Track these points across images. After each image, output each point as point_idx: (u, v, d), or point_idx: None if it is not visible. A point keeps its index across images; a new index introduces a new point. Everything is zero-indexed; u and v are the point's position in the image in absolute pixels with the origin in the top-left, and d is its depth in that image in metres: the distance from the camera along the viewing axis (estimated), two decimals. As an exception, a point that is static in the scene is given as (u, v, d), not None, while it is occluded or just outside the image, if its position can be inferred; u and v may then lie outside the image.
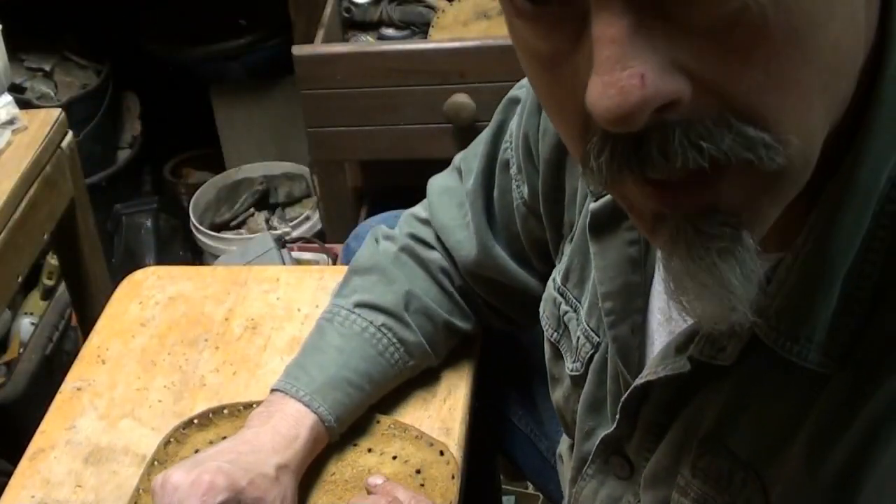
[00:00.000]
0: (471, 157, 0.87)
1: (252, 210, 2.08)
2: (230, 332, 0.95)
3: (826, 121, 0.43)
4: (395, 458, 0.80)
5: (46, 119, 1.21)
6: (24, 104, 1.34)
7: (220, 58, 2.01)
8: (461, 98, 1.43)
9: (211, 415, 0.85)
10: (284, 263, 1.69)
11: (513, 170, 0.81)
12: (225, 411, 0.85)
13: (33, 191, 1.15)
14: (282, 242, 1.76)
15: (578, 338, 0.71)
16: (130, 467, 0.82)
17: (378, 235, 0.91)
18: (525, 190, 0.80)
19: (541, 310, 0.77)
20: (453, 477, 0.78)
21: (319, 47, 1.47)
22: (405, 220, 0.92)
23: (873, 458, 0.47)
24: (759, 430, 0.54)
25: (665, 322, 0.62)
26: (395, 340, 0.85)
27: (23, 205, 1.13)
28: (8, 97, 1.20)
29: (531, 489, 1.57)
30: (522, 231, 0.83)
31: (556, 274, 0.75)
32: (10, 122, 1.18)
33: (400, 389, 0.87)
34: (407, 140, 1.50)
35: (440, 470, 0.79)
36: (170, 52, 2.05)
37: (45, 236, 1.21)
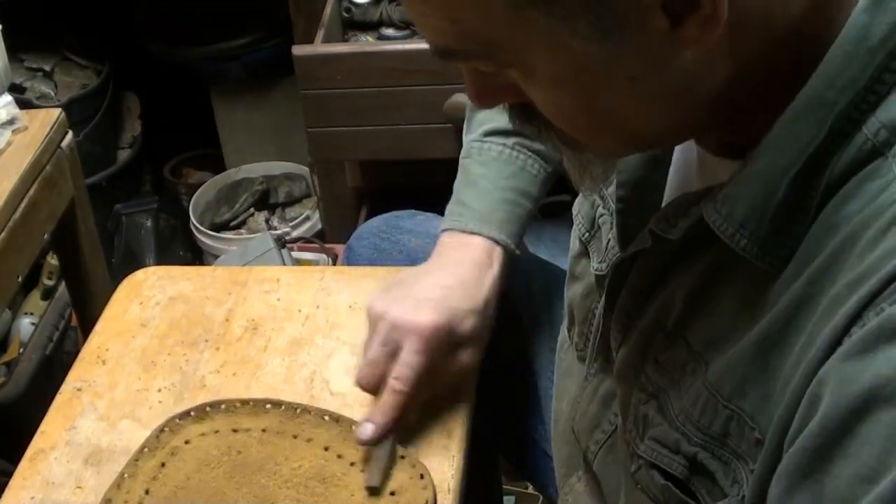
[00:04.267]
0: None
1: (252, 210, 2.08)
2: (230, 332, 0.95)
3: (657, 125, 0.55)
4: None
5: (46, 119, 1.21)
6: (24, 104, 1.33)
7: (220, 58, 2.01)
8: (461, 98, 1.42)
9: (208, 408, 0.85)
10: (284, 263, 1.69)
11: None
12: (222, 406, 0.85)
13: (33, 191, 1.15)
14: (282, 242, 1.76)
15: (609, 240, 0.73)
16: (131, 468, 0.82)
17: None
18: None
19: (574, 209, 0.81)
20: (427, 502, 0.77)
21: (319, 47, 1.47)
22: None
23: (796, 326, 0.51)
24: (714, 319, 0.58)
25: None
26: (529, 154, 0.93)
27: (23, 205, 1.13)
28: (8, 97, 1.20)
29: (531, 489, 1.57)
30: None
31: None
32: (10, 122, 1.18)
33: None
34: (407, 140, 1.50)
35: (415, 495, 0.77)
36: (170, 52, 2.05)
37: (45, 236, 1.20)
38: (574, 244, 0.80)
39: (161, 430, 0.83)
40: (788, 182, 0.51)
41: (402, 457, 0.80)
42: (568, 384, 0.84)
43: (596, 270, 0.75)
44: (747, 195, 0.53)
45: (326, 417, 0.83)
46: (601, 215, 0.76)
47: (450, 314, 0.81)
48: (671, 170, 0.67)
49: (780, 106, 0.52)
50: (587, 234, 0.78)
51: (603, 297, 0.69)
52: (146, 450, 0.82)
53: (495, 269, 0.86)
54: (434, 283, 0.83)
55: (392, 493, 0.77)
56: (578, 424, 0.78)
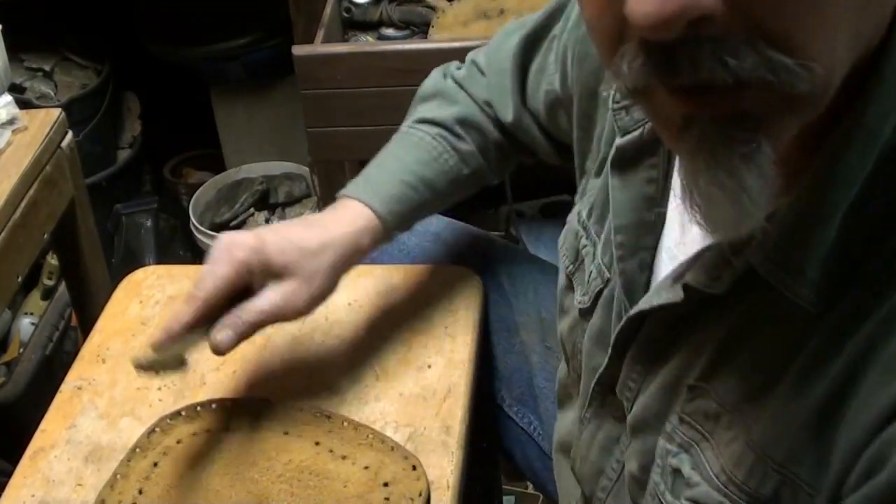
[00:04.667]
0: (529, 19, 0.89)
1: (252, 210, 2.08)
2: (230, 331, 0.95)
3: (851, 50, 0.45)
4: (366, 468, 0.80)
5: (46, 119, 1.21)
6: (24, 104, 1.34)
7: (220, 58, 2.01)
8: (461, 98, 1.43)
9: (198, 408, 0.85)
10: (284, 263, 1.69)
11: (551, 57, 0.84)
12: (213, 406, 0.85)
13: (33, 191, 1.15)
14: (282, 242, 1.75)
15: (591, 272, 0.72)
16: (131, 466, 0.83)
17: (447, 68, 0.98)
18: (556, 81, 0.82)
19: (560, 242, 0.79)
20: (420, 494, 0.77)
21: (319, 47, 1.47)
22: (470, 54, 0.98)
23: (854, 389, 0.49)
24: (749, 372, 0.55)
25: (669, 261, 0.64)
26: (448, 147, 0.91)
27: (23, 205, 1.13)
28: (8, 97, 1.20)
29: (531, 489, 1.57)
30: (545, 114, 0.86)
31: (582, 208, 0.76)
32: (10, 122, 1.18)
33: (400, 388, 0.88)
34: (407, 140, 1.50)
35: (408, 486, 0.78)
36: (170, 52, 2.05)
37: (45, 236, 1.20)
38: (560, 278, 0.79)
39: (152, 430, 0.83)
40: (840, 220, 0.49)
41: (393, 448, 0.80)
42: (569, 414, 0.83)
43: (579, 304, 0.73)
44: (800, 239, 0.50)
45: (318, 414, 0.84)
46: (584, 246, 0.74)
47: (267, 237, 0.79)
48: (670, 209, 0.65)
49: (820, 136, 0.49)
50: (571, 267, 0.76)
51: (610, 349, 0.67)
52: (138, 450, 0.82)
53: (355, 229, 0.84)
54: (287, 222, 0.85)
55: (385, 485, 0.78)
56: (580, 468, 0.76)
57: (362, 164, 1.75)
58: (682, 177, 0.49)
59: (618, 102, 0.67)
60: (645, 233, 0.65)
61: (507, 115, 0.90)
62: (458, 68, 0.97)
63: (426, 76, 1.46)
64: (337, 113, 1.48)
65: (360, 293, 0.97)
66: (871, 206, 0.48)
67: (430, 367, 0.90)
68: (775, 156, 0.45)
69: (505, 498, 1.52)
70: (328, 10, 1.56)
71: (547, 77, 0.84)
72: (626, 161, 0.66)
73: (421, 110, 0.95)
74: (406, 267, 1.00)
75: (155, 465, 0.81)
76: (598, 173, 0.74)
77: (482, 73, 0.94)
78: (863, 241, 0.49)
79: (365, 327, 0.94)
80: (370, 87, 1.46)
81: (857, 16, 0.43)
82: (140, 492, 0.79)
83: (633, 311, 0.63)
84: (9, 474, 0.84)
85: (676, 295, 0.58)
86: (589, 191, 0.76)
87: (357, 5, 1.63)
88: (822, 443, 0.51)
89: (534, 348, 1.00)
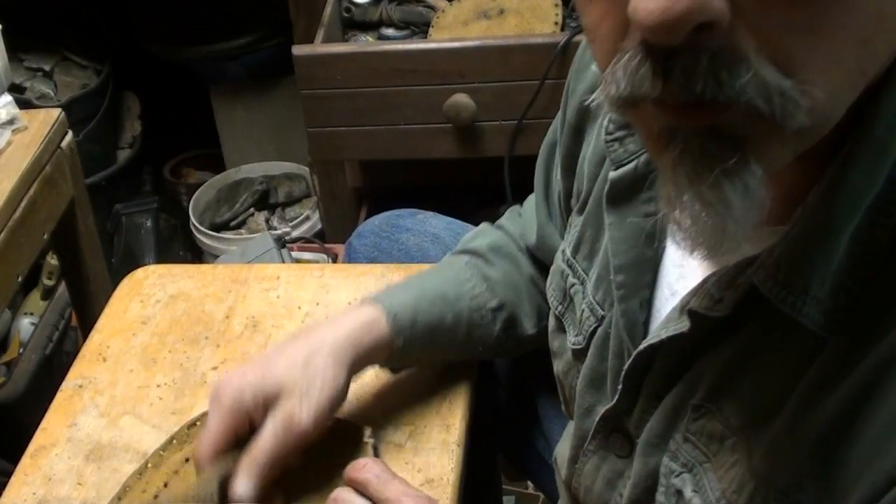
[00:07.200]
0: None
1: (252, 210, 2.08)
2: (231, 329, 0.95)
3: (857, 81, 0.43)
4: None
5: (46, 119, 1.21)
6: (24, 104, 1.34)
7: (220, 58, 2.02)
8: (461, 98, 1.43)
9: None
10: (284, 263, 1.69)
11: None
12: None
13: (33, 191, 1.15)
14: (282, 242, 1.76)
15: (583, 311, 0.70)
16: (131, 464, 0.82)
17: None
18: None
19: (548, 283, 0.77)
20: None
21: (319, 47, 1.47)
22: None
23: (861, 418, 0.47)
24: (754, 394, 0.54)
25: (670, 297, 0.63)
26: (476, 273, 0.87)
27: (23, 205, 1.13)
28: (8, 97, 1.20)
29: (531, 489, 1.57)
30: (561, 210, 0.83)
31: (566, 246, 0.75)
32: (10, 122, 1.18)
33: (401, 386, 0.88)
34: (407, 140, 1.50)
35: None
36: (170, 52, 2.05)
37: (45, 236, 1.21)
38: (550, 320, 0.77)
39: (192, 423, 0.83)
40: (848, 240, 0.47)
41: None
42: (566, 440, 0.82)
43: (573, 345, 0.72)
44: (804, 257, 0.48)
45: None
46: (572, 285, 0.73)
47: (249, 370, 0.75)
48: (669, 244, 0.63)
49: (824, 163, 0.48)
50: (560, 308, 0.75)
51: (620, 386, 0.64)
52: (174, 441, 0.81)
53: (353, 325, 0.78)
54: (285, 341, 0.79)
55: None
56: (585, 497, 0.75)
57: (362, 164, 1.77)
58: (665, 192, 0.47)
59: (610, 134, 0.65)
60: (645, 270, 0.64)
61: (531, 236, 0.87)
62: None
63: (426, 76, 1.47)
64: (337, 113, 1.48)
65: (360, 292, 0.97)
66: (882, 226, 0.47)
67: (430, 365, 0.90)
68: (767, 178, 0.44)
69: (505, 498, 1.52)
70: (328, 10, 1.57)
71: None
72: (620, 195, 0.64)
73: (464, 241, 0.93)
74: (406, 266, 1.00)
75: (186, 460, 0.80)
76: (581, 210, 0.73)
77: (519, 214, 0.93)
78: (874, 262, 0.47)
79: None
80: (370, 87, 1.46)
81: (861, 51, 0.42)
82: (165, 485, 0.78)
83: (642, 346, 0.61)
84: (9, 474, 0.84)
85: (683, 325, 0.57)
86: (572, 228, 0.74)
87: (357, 5, 1.64)
88: (827, 471, 0.49)
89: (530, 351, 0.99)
